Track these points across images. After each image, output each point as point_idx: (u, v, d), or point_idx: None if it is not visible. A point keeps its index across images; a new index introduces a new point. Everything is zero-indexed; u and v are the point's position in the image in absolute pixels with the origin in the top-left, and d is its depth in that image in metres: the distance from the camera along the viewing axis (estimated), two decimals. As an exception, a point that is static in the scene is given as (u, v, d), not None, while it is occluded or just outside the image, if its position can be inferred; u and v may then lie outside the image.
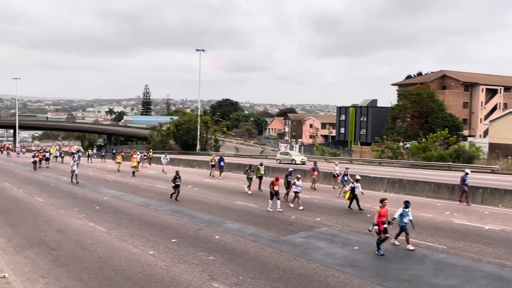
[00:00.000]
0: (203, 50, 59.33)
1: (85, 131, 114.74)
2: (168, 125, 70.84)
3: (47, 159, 39.09)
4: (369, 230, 11.92)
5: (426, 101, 52.51)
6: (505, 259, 10.99)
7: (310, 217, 15.97)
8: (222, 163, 29.02)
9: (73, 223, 15.28)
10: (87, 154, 47.64)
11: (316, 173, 23.26)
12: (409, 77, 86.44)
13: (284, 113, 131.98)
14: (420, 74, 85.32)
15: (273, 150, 74.93)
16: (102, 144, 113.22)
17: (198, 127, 60.82)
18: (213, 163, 29.76)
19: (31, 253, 11.68)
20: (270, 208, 16.96)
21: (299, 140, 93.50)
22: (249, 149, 74.87)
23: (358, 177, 17.36)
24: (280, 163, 38.19)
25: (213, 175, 29.16)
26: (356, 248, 11.99)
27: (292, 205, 17.62)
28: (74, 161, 27.12)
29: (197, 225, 14.72)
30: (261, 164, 22.97)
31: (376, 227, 11.30)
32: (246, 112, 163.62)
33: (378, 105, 77.30)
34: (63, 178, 29.72)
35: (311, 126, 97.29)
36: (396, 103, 57.17)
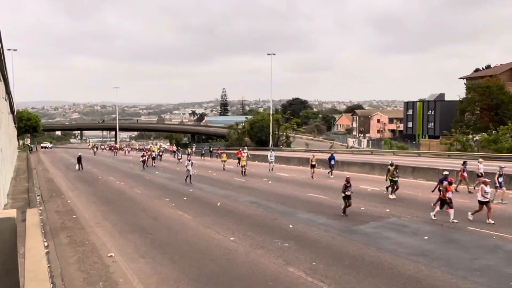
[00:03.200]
0: (273, 54, 59.65)
1: (172, 131, 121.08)
2: (243, 124, 72.27)
3: (154, 158, 38.19)
4: None
5: (496, 94, 48.19)
6: None
7: (379, 208, 15.43)
8: (333, 162, 25.03)
9: (165, 212, 16.19)
10: (187, 152, 46.08)
11: (465, 174, 18.21)
12: (477, 70, 79.53)
13: (352, 109, 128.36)
14: (488, 66, 78.06)
15: (341, 145, 73.31)
16: (187, 142, 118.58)
17: (271, 125, 61.29)
18: (314, 163, 25.09)
19: (132, 237, 12.61)
20: (434, 216, 13.25)
21: (367, 135, 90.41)
22: (318, 144, 73.90)
23: None
24: None
25: (313, 177, 24.53)
26: (426, 238, 11.37)
27: (471, 218, 12.90)
28: (189, 161, 24.67)
29: (272, 215, 14.90)
30: (391, 165, 17.98)
31: None
32: (315, 109, 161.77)
33: (446, 99, 72.27)
34: (156, 172, 31.61)
35: (378, 121, 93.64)
36: (465, 96, 53.06)
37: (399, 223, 13.09)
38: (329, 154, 27.01)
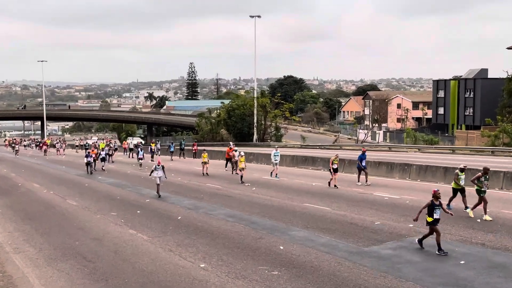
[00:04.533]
0: (258, 17, 59.50)
1: (122, 121, 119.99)
2: (218, 111, 72.12)
3: (103, 159, 36.68)
4: None
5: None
6: None
7: (399, 222, 15.57)
8: (363, 162, 23.59)
9: (111, 230, 16.03)
10: (150, 150, 44.62)
11: None
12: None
13: (363, 91, 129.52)
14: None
15: (349, 138, 73.96)
16: (142, 136, 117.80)
17: (255, 112, 61.33)
18: (336, 165, 23.51)
19: (65, 266, 12.41)
20: None
21: (384, 125, 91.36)
22: (318, 137, 74.43)
23: None
24: None
25: (335, 185, 23.13)
26: (462, 262, 11.52)
27: None
28: (158, 165, 22.50)
29: (256, 233, 14.89)
30: (462, 170, 17.03)
31: None
32: (314, 91, 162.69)
33: (489, 76, 73.55)
34: (99, 177, 31.26)
35: (399, 106, 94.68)
36: (515, 72, 54.05)
37: (426, 242, 13.21)
38: (359, 152, 24.89)
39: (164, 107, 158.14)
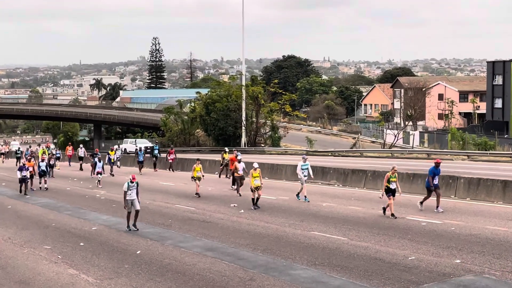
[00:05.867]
0: (247, -26, 59.58)
1: (59, 119, 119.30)
2: (193, 104, 71.98)
3: (44, 173, 35.54)
4: None
5: None
6: None
7: (442, 257, 15.60)
8: (436, 180, 22.40)
9: (43, 270, 15.91)
10: (108, 158, 43.30)
11: None
12: None
13: (392, 76, 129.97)
14: None
15: (373, 141, 73.99)
16: (87, 138, 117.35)
17: (243, 106, 61.33)
18: (393, 185, 21.84)
19: (-21, 319, 12.37)
20: None
21: (420, 123, 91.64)
22: (330, 140, 74.40)
23: None
24: None
25: (392, 214, 21.43)
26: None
27: None
28: (132, 182, 21.22)
29: (245, 273, 14.87)
30: None
31: None
32: (324, 77, 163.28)
33: None
34: (27, 196, 31.17)
35: (441, 98, 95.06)
36: None
37: (480, 284, 13.25)
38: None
39: (118, 99, 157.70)
